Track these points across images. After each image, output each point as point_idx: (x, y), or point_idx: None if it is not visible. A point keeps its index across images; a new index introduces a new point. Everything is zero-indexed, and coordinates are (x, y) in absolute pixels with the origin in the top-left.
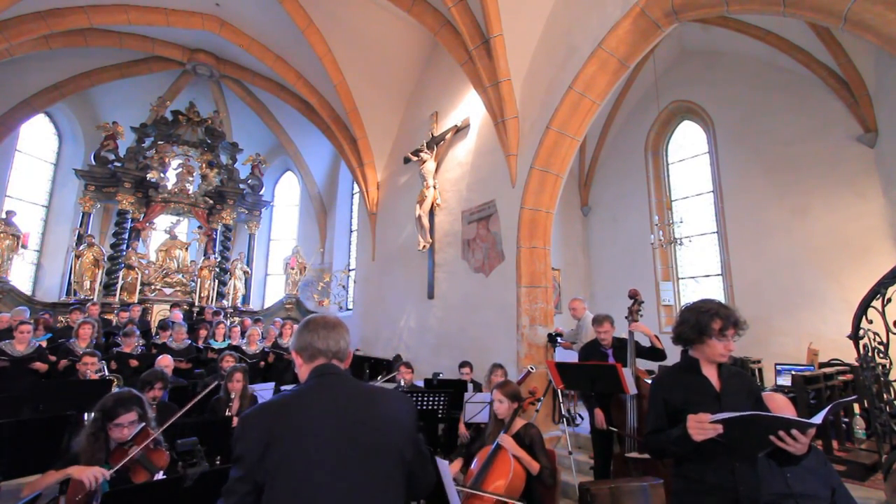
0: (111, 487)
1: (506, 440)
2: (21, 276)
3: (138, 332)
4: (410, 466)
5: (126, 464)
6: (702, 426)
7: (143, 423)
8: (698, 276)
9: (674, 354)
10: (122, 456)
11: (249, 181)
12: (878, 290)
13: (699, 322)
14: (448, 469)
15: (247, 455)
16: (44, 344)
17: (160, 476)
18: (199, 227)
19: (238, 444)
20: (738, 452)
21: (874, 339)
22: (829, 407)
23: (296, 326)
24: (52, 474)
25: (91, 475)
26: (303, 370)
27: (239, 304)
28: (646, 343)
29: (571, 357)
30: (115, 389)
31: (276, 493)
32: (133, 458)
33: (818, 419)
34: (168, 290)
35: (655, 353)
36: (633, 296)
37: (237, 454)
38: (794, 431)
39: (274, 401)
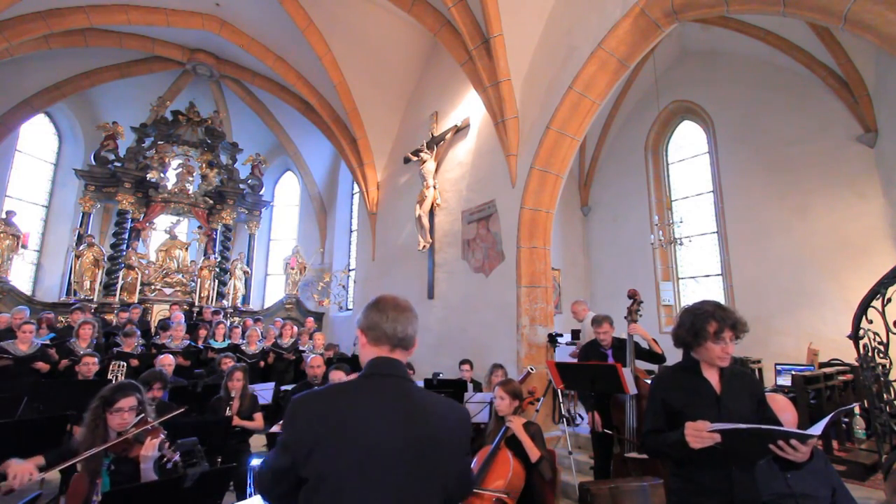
0: (111, 473)
1: (514, 421)
2: (21, 276)
3: (139, 332)
4: (450, 490)
5: (121, 444)
6: (699, 435)
7: (143, 414)
8: (698, 276)
9: (673, 356)
10: (122, 445)
11: (249, 181)
12: (878, 290)
13: (694, 325)
14: None
15: (293, 447)
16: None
17: (154, 453)
18: (199, 227)
19: (288, 427)
20: (736, 459)
21: (874, 339)
22: (829, 416)
23: (295, 328)
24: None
25: (22, 472)
26: (365, 351)
27: (239, 304)
28: (645, 344)
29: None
30: None
31: (319, 498)
32: (128, 437)
33: (818, 430)
34: (168, 290)
35: (654, 357)
36: (633, 296)
37: (285, 441)
38: (794, 441)
39: (325, 394)
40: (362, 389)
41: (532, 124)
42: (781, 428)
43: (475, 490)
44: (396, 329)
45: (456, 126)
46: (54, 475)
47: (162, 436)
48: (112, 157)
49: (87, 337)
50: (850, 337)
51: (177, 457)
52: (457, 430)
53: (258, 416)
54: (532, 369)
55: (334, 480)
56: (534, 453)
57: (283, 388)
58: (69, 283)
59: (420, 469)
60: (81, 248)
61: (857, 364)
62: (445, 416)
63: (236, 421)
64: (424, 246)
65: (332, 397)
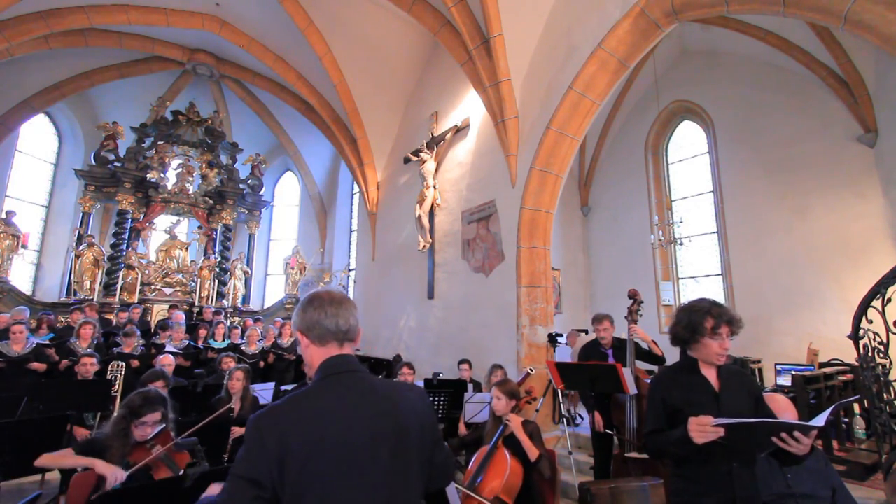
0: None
1: (513, 419)
2: (21, 276)
3: (139, 333)
4: (432, 462)
5: (149, 462)
6: (703, 429)
7: (164, 425)
8: (698, 276)
9: (672, 358)
10: (142, 454)
11: (249, 181)
12: (878, 290)
13: (691, 321)
14: None
15: (260, 463)
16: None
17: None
18: (199, 227)
19: (251, 452)
20: (738, 453)
21: (874, 339)
22: (831, 409)
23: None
24: (76, 458)
25: (115, 473)
26: (311, 352)
27: (239, 304)
28: (645, 346)
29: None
30: (114, 391)
31: None
32: (157, 456)
33: (820, 422)
34: (168, 290)
35: (654, 358)
36: (633, 296)
37: (250, 459)
38: (797, 433)
39: (287, 405)
40: (326, 392)
41: (532, 124)
42: (784, 420)
43: (472, 494)
44: (339, 323)
45: (456, 126)
46: (54, 475)
47: (186, 456)
48: (112, 157)
49: (88, 337)
50: (850, 337)
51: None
52: (426, 412)
53: None
54: (531, 371)
55: (318, 490)
56: (532, 452)
57: (283, 388)
58: (69, 283)
59: (400, 458)
60: (81, 248)
61: (857, 364)
62: (413, 401)
63: (236, 431)
64: (424, 246)
65: (298, 405)
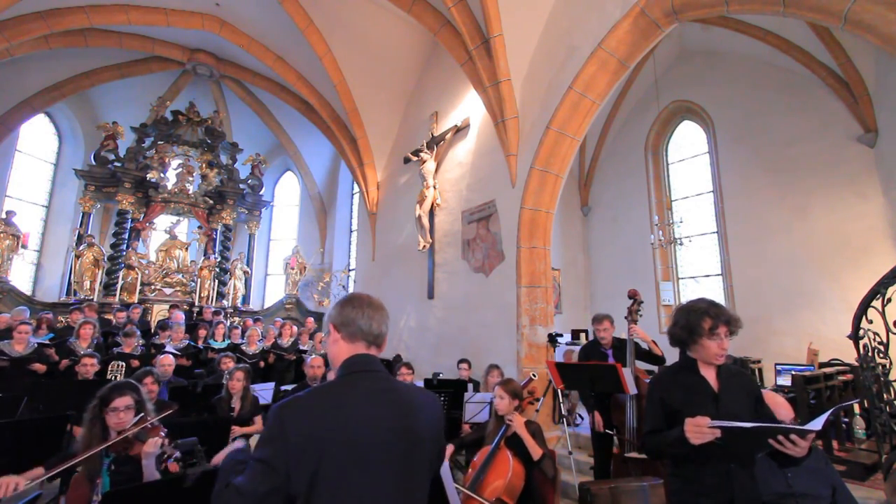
0: (111, 473)
1: (516, 419)
2: (21, 276)
3: (139, 333)
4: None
5: (121, 443)
6: (700, 430)
7: (142, 413)
8: (698, 276)
9: (672, 358)
10: (122, 444)
11: (249, 181)
12: (878, 290)
13: (689, 322)
14: (448, 469)
15: (279, 452)
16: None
17: (156, 450)
18: (199, 227)
19: (272, 440)
20: (736, 455)
21: (874, 339)
22: (829, 412)
23: (295, 328)
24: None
25: (9, 482)
26: (338, 347)
27: (239, 304)
28: (645, 346)
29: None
30: None
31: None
32: (128, 436)
33: (817, 425)
34: (168, 290)
35: (654, 358)
36: (633, 296)
37: (270, 447)
38: (794, 436)
39: (309, 398)
40: (348, 388)
41: (532, 124)
42: (781, 424)
43: (473, 495)
44: (372, 326)
45: (456, 126)
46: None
47: (163, 433)
48: (112, 157)
49: (88, 337)
50: (850, 337)
51: (177, 453)
52: (438, 416)
53: (258, 418)
54: (534, 376)
55: (331, 485)
56: (536, 451)
57: (283, 388)
58: (69, 283)
59: (412, 458)
60: (81, 248)
61: (857, 364)
62: (428, 405)
63: (236, 430)
64: (424, 246)
65: (320, 399)
